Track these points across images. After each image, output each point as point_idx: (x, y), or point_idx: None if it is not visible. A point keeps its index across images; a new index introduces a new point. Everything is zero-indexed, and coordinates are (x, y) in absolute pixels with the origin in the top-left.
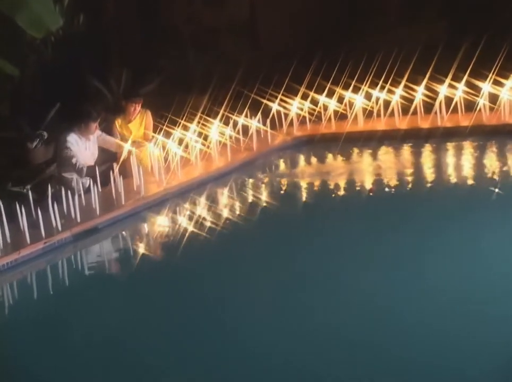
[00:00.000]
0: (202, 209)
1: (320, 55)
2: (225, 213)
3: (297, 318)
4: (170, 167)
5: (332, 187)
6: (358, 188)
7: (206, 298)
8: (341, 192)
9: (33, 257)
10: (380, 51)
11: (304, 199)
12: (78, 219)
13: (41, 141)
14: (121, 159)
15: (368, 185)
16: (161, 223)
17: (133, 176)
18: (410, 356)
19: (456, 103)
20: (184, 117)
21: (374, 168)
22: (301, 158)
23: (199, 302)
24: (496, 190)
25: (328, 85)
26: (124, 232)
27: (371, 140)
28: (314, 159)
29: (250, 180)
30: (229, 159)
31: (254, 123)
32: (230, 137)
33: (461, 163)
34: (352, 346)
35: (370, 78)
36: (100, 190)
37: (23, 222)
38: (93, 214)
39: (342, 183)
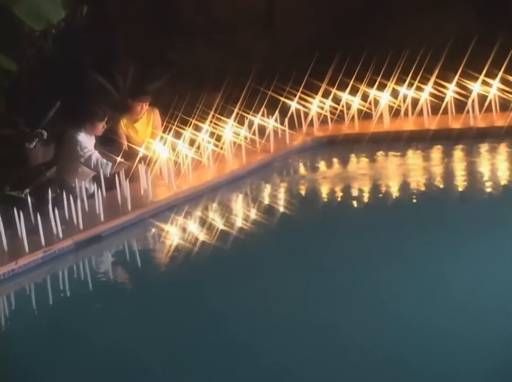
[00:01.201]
0: (214, 216)
1: (343, 49)
2: (239, 220)
3: (319, 331)
4: (180, 170)
5: (355, 192)
6: (383, 193)
7: (221, 313)
8: (366, 198)
9: (31, 266)
10: (408, 45)
11: (325, 205)
12: (81, 226)
13: (40, 141)
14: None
15: (395, 189)
16: (170, 231)
17: (140, 179)
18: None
19: (490, 101)
20: (195, 116)
21: (401, 172)
22: (322, 161)
23: (213, 317)
24: None
25: (351, 82)
26: (129, 241)
27: (398, 142)
28: (336, 162)
29: (267, 184)
30: (244, 162)
31: (271, 122)
32: (245, 138)
33: (495, 167)
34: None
35: (397, 74)
36: (104, 194)
37: (21, 228)
38: (97, 221)
39: (366, 188)
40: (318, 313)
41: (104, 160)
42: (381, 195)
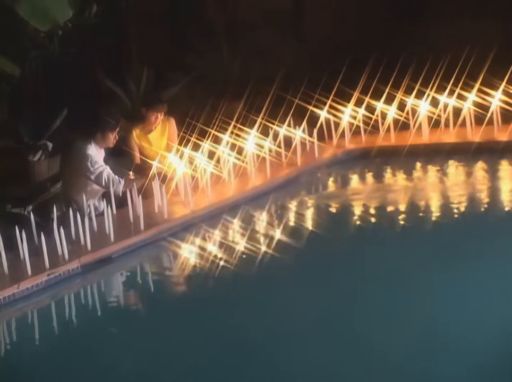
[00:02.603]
0: (235, 236)
1: (377, 53)
2: (262, 242)
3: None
4: (198, 186)
5: (391, 210)
6: (422, 212)
7: (242, 338)
8: (402, 217)
9: (34, 291)
10: (449, 49)
11: (356, 225)
12: (89, 247)
13: (44, 154)
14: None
15: (434, 208)
16: (186, 252)
17: (154, 196)
18: None
19: None
20: (215, 126)
21: (441, 188)
22: (354, 176)
23: (233, 343)
24: None
25: (387, 89)
26: (142, 263)
27: (438, 155)
28: (369, 177)
29: (293, 202)
30: (268, 177)
31: (298, 133)
32: (270, 150)
33: None
34: None
35: (438, 81)
36: (114, 212)
37: (23, 249)
38: (106, 241)
39: (403, 206)
40: (352, 347)
41: (117, 177)
42: (420, 214)
